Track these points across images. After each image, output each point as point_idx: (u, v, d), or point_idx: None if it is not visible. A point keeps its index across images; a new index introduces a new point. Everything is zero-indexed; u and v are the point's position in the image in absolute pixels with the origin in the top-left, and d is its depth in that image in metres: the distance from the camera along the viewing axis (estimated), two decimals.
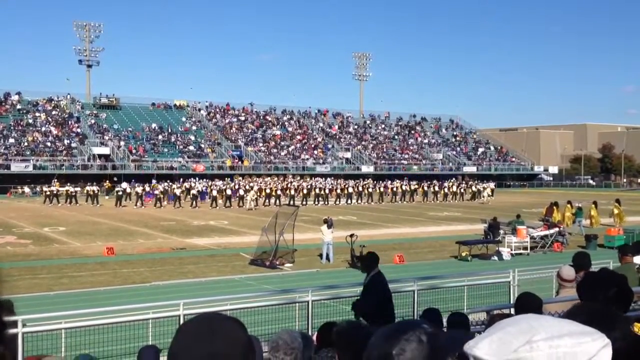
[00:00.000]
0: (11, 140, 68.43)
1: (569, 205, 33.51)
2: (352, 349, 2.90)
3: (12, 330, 8.74)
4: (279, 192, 51.96)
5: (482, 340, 1.17)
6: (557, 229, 26.13)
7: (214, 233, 30.62)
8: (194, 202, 46.25)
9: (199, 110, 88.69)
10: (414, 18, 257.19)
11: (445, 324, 6.10)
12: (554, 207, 31.63)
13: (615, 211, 33.80)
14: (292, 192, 52.32)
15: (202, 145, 78.03)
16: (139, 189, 48.46)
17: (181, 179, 60.45)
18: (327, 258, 21.77)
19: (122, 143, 72.62)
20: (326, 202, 51.84)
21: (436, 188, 58.83)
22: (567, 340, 1.13)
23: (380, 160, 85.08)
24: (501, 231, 26.12)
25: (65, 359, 9.17)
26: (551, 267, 13.10)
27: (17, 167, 62.96)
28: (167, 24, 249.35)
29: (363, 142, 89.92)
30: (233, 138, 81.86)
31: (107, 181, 60.22)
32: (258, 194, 49.86)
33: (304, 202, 49.18)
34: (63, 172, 62.13)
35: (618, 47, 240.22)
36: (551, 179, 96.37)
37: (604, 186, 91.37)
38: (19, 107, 76.57)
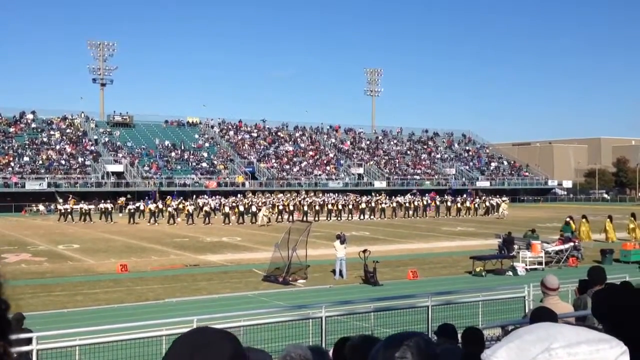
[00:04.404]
0: (26, 159, 69.07)
1: (583, 220, 33.31)
2: None
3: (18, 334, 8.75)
4: (291, 208, 51.97)
5: (500, 348, 1.16)
6: (572, 244, 25.91)
7: (227, 249, 30.64)
8: (207, 219, 46.38)
9: (212, 127, 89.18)
10: (425, 33, 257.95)
11: (460, 339, 6.04)
12: (574, 221, 31.60)
13: (631, 226, 33.55)
14: (305, 208, 52.32)
15: (215, 162, 78.36)
16: (152, 206, 48.67)
17: (194, 196, 60.64)
18: (340, 274, 21.70)
19: (135, 160, 73.10)
20: (339, 218, 51.79)
21: (449, 203, 58.68)
22: (585, 347, 1.12)
23: (392, 175, 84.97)
24: (515, 246, 25.94)
25: None
26: (566, 282, 12.96)
27: (31, 185, 63.44)
28: (180, 42, 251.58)
29: (375, 158, 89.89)
30: (245, 154, 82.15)
31: (122, 198, 60.46)
32: (271, 210, 49.91)
33: (317, 218, 49.15)
34: (77, 190, 62.51)
35: (631, 59, 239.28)
36: (565, 193, 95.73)
37: (619, 200, 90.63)
38: (33, 125, 77.37)
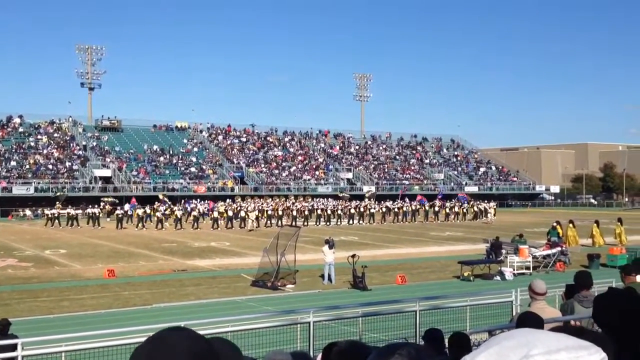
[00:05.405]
0: (13, 163, 68.56)
1: (570, 225, 33.50)
2: None
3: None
4: (280, 212, 51.91)
5: (479, 354, 1.16)
6: (559, 249, 26.05)
7: (216, 254, 30.55)
8: (195, 224, 46.23)
9: (201, 131, 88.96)
10: (415, 39, 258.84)
11: (446, 344, 6.06)
12: (561, 226, 31.79)
13: (617, 230, 33.82)
14: (294, 212, 52.27)
15: (204, 167, 78.15)
16: (140, 211, 48.46)
17: (182, 201, 60.43)
18: (329, 279, 21.70)
19: (123, 165, 72.75)
20: (328, 223, 51.78)
21: (437, 208, 58.83)
22: (564, 354, 1.13)
23: (381, 180, 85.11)
24: (503, 251, 26.05)
25: None
26: (554, 287, 13.03)
27: (18, 189, 62.99)
28: (168, 47, 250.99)
29: (364, 163, 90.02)
30: (234, 159, 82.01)
31: (108, 204, 60.07)
32: (259, 215, 49.82)
33: (306, 223, 49.14)
34: (64, 194, 62.05)
35: (618, 65, 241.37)
36: (553, 198, 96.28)
37: (606, 205, 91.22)
38: (21, 130, 76.82)
